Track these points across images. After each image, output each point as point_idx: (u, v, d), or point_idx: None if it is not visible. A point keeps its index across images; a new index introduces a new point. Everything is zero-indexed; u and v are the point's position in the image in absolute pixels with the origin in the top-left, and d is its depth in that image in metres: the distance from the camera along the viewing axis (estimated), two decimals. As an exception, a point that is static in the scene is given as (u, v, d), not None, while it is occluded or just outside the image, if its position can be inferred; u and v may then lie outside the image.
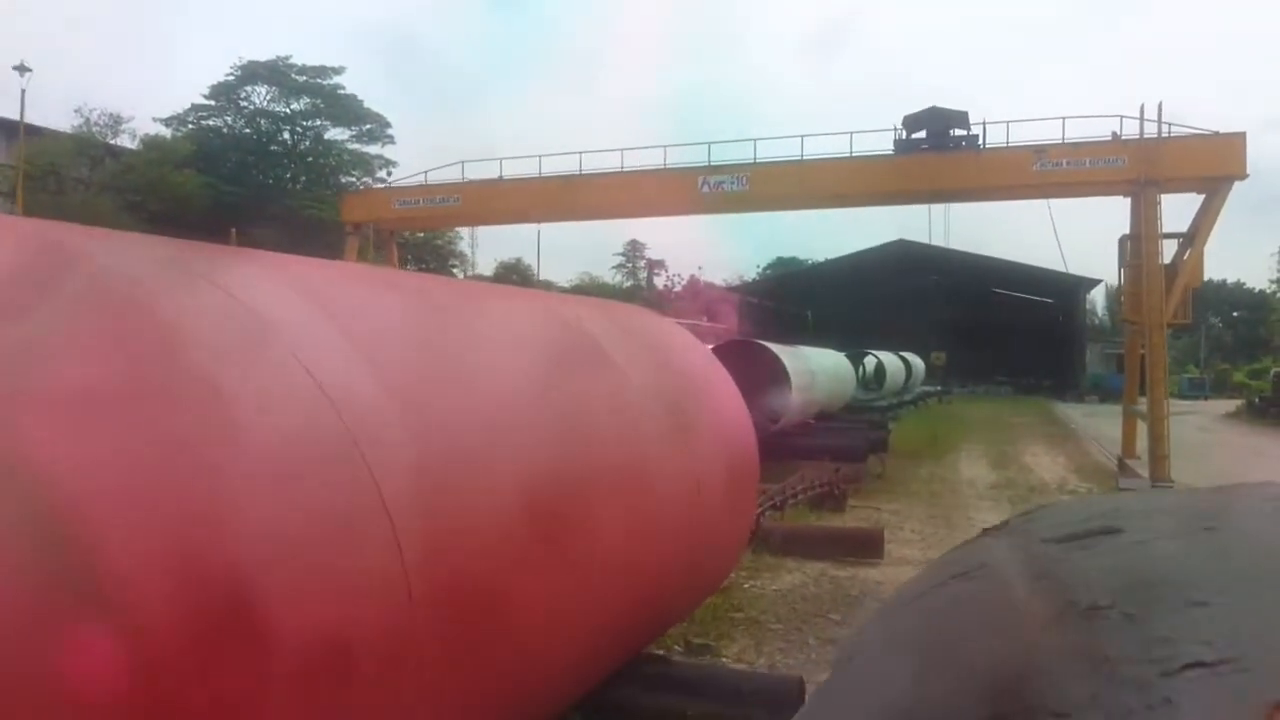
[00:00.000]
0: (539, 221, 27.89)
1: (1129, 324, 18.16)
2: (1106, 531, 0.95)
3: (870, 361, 36.01)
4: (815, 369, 18.41)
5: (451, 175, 21.75)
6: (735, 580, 9.20)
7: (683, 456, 4.79)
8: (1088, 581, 0.86)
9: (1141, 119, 17.27)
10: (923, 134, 19.09)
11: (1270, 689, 0.65)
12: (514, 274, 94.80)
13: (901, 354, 41.19)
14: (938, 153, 18.58)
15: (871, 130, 19.34)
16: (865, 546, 10.24)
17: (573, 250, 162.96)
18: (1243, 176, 16.66)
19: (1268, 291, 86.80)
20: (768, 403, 15.41)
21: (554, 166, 20.74)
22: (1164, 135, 17.05)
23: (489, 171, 21.10)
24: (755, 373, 15.75)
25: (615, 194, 19.67)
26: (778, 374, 15.18)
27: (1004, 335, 58.98)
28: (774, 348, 15.65)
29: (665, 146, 19.67)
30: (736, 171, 18.78)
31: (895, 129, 19.49)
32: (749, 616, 8.06)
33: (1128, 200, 18.24)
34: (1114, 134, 17.80)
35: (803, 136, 18.84)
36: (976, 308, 61.92)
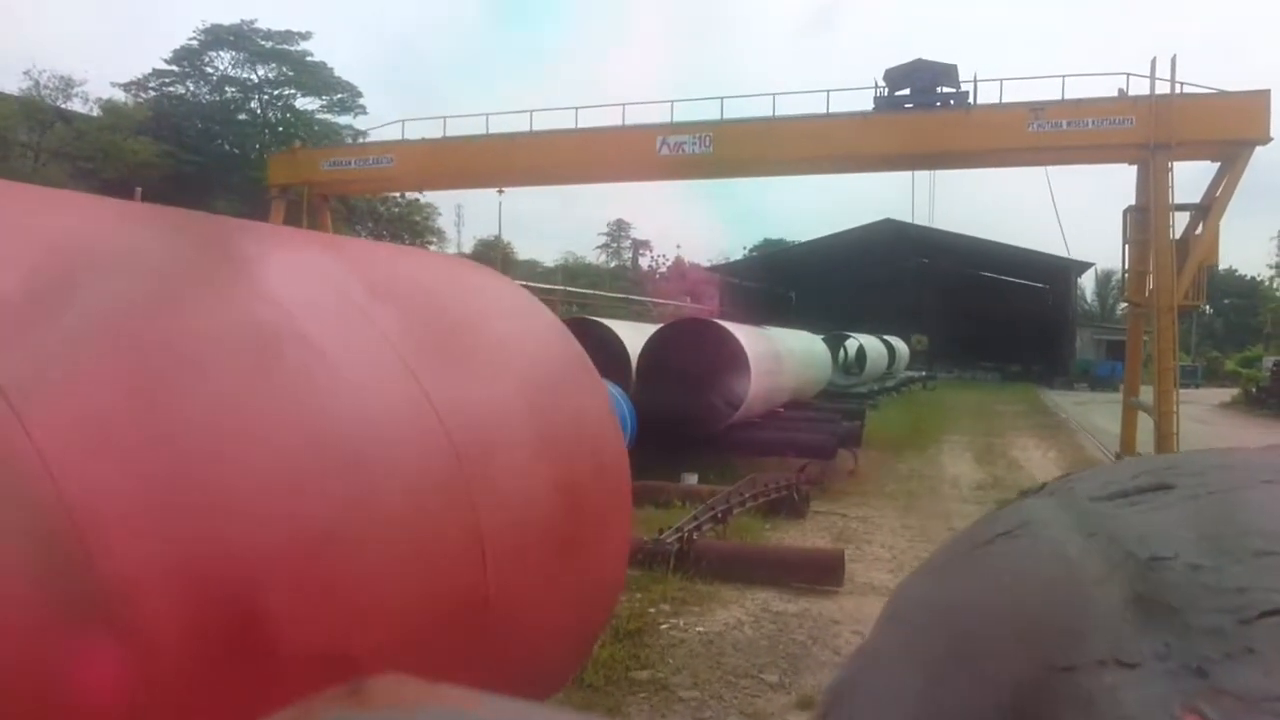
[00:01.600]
0: (483, 186, 25.84)
1: (1133, 306, 16.33)
2: (1158, 488, 0.92)
3: (851, 345, 34.12)
4: (783, 352, 16.51)
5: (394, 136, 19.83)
6: (652, 620, 7.32)
7: (477, 485, 2.91)
8: (1145, 535, 0.83)
9: (1152, 75, 15.37)
10: (907, 91, 17.12)
11: None
12: (493, 252, 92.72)
13: (885, 337, 39.39)
14: (922, 111, 16.61)
15: (851, 88, 17.41)
16: (821, 571, 8.35)
17: (556, 229, 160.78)
18: (1265, 140, 14.78)
19: (1260, 279, 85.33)
20: (723, 390, 13.51)
21: (504, 125, 18.82)
22: (1177, 94, 15.19)
23: (434, 132, 19.20)
24: (713, 356, 13.84)
25: (565, 155, 17.67)
26: (736, 358, 13.28)
27: (992, 319, 57.24)
28: (733, 328, 13.74)
29: (624, 105, 17.73)
30: (699, 131, 16.77)
31: (876, 85, 17.55)
32: (655, 678, 6.15)
33: (1132, 171, 16.43)
34: (1120, 91, 15.91)
35: (774, 95, 16.89)
36: (964, 290, 60.15)
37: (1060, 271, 52.49)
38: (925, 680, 0.89)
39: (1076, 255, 51.14)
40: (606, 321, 14.08)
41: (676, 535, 8.35)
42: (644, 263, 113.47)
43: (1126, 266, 16.33)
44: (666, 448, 13.98)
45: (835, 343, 32.73)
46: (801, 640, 7.04)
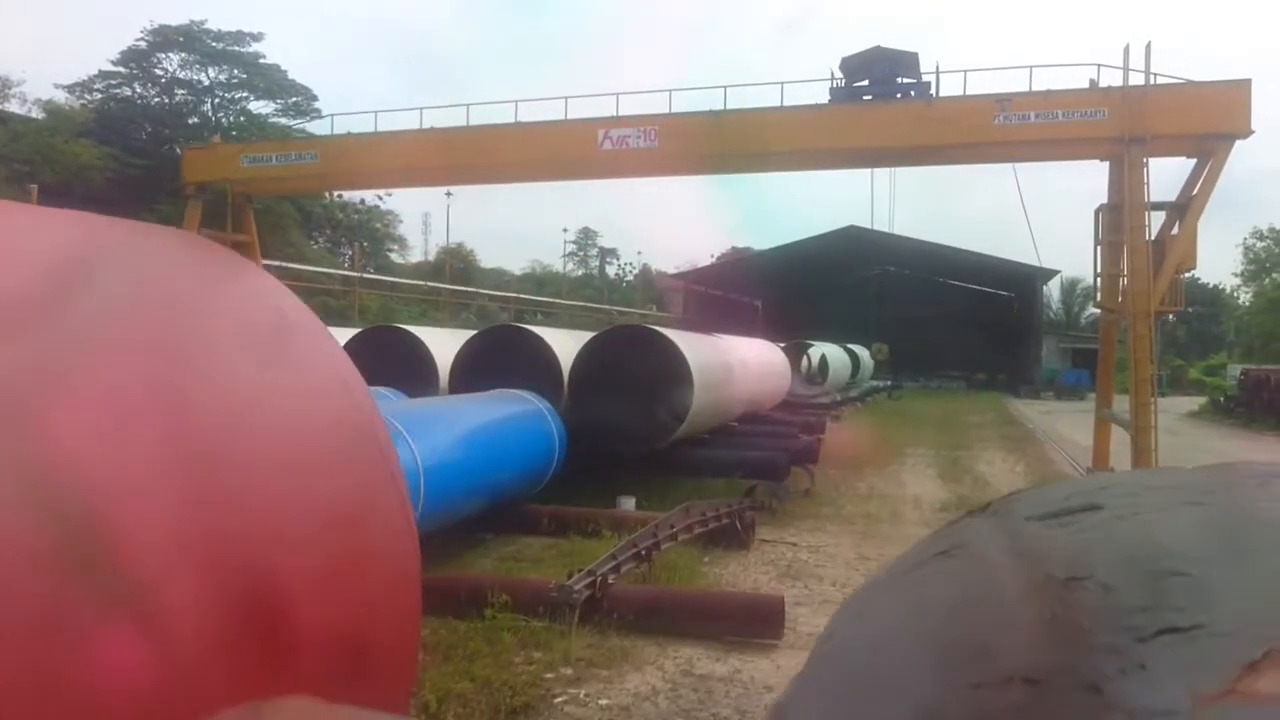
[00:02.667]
0: (417, 185, 24.48)
1: (1105, 312, 15.31)
2: (1088, 508, 0.95)
3: (814, 354, 33.02)
4: (735, 363, 15.31)
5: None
6: (546, 690, 6.04)
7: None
8: (1066, 555, 0.87)
9: (1126, 65, 14.37)
10: (865, 83, 16.00)
11: (1242, 652, 0.67)
12: (456, 259, 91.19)
13: (848, 346, 38.41)
14: (881, 103, 15.48)
15: (809, 80, 16.21)
16: (758, 621, 7.11)
17: (521, 238, 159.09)
18: (1246, 133, 13.80)
19: (1222, 286, 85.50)
20: (664, 404, 12.27)
21: (439, 120, 17.49)
22: (1151, 85, 14.19)
23: (366, 126, 17.86)
24: (652, 367, 12.60)
25: (500, 151, 16.38)
26: (678, 368, 12.04)
27: (957, 327, 56.57)
28: (675, 336, 12.50)
29: (567, 98, 16.47)
30: (644, 124, 15.54)
31: (832, 76, 16.38)
32: (532, 780, 4.89)
33: (1098, 174, 15.46)
34: (1091, 82, 14.90)
35: (725, 87, 15.68)
36: (929, 298, 59.54)
37: (1026, 279, 51.86)
38: (849, 707, 0.92)
39: (1042, 263, 50.79)
40: (535, 329, 12.82)
41: (587, 580, 7.08)
42: (611, 271, 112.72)
43: (1099, 270, 15.31)
44: (602, 469, 12.73)
45: (797, 351, 31.65)
46: (726, 716, 5.79)
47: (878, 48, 16.23)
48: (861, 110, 15.62)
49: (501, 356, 12.89)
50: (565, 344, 12.76)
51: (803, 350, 32.20)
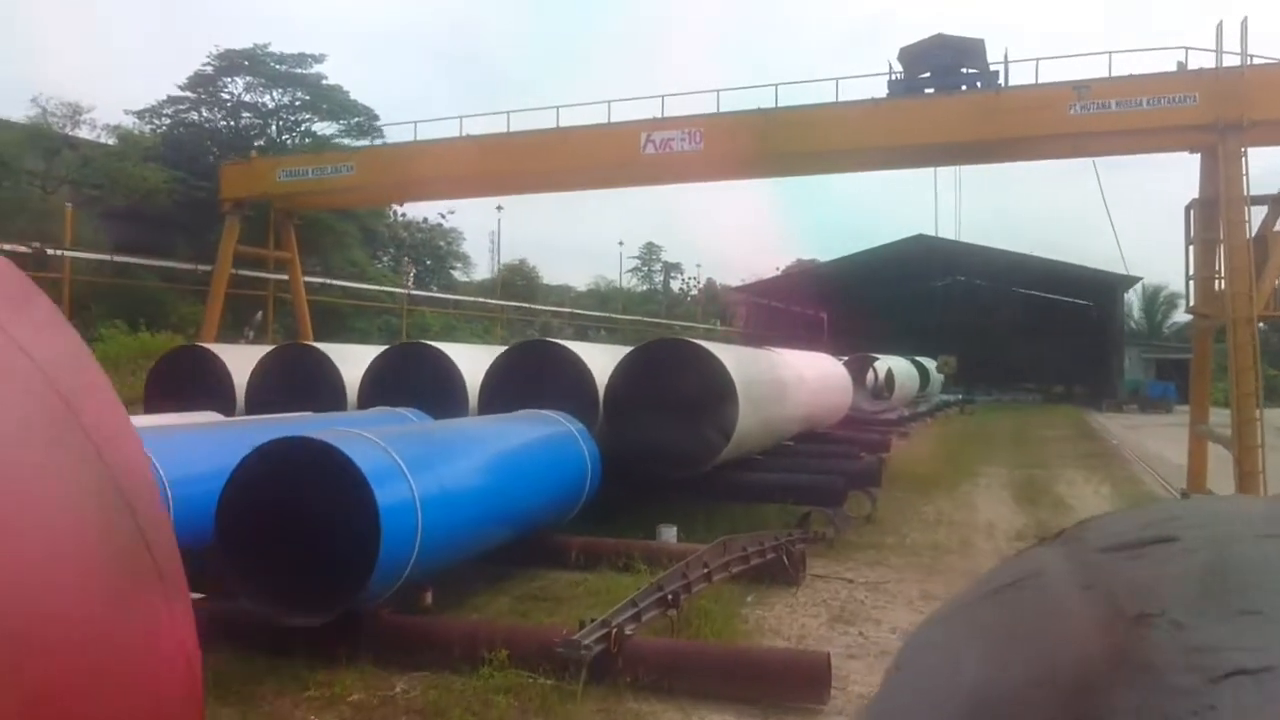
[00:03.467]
0: (455, 196, 23.93)
1: (1199, 318, 13.85)
2: (1161, 540, 0.94)
3: (880, 367, 31.56)
4: (790, 379, 14.24)
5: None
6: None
7: None
8: (1138, 590, 0.85)
9: (1219, 45, 12.98)
10: (926, 74, 14.79)
11: None
12: (519, 277, 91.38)
13: (916, 359, 36.86)
14: (944, 94, 14.28)
15: (865, 75, 15.03)
16: (798, 681, 6.08)
17: (585, 253, 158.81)
18: (1359, 116, 12.38)
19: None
20: (706, 424, 11.28)
21: (479, 128, 16.82)
22: (1249, 65, 12.78)
23: (409, 137, 17.25)
24: (694, 383, 11.62)
25: (539, 158, 15.59)
26: (721, 385, 11.04)
27: (1032, 338, 54.33)
28: (718, 350, 11.50)
29: (610, 102, 15.60)
30: (688, 125, 14.58)
31: (890, 69, 15.21)
32: None
33: (1186, 169, 14.06)
34: (1179, 65, 13.53)
35: (776, 85, 14.64)
36: (1002, 308, 57.39)
37: (1106, 286, 49.58)
38: None
39: (1120, 269, 48.50)
40: (568, 344, 11.95)
41: (600, 632, 6.12)
42: (675, 285, 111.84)
43: (1191, 272, 13.91)
44: (643, 495, 11.79)
45: (862, 365, 30.31)
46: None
47: (939, 36, 15.02)
48: (923, 104, 14.44)
49: (533, 374, 12.05)
50: (601, 360, 11.86)
51: (868, 364, 30.82)
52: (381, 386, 12.60)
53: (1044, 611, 0.94)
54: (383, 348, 13.31)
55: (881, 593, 9.25)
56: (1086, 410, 44.87)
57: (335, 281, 38.73)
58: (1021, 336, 54.44)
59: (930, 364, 41.74)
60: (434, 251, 78.46)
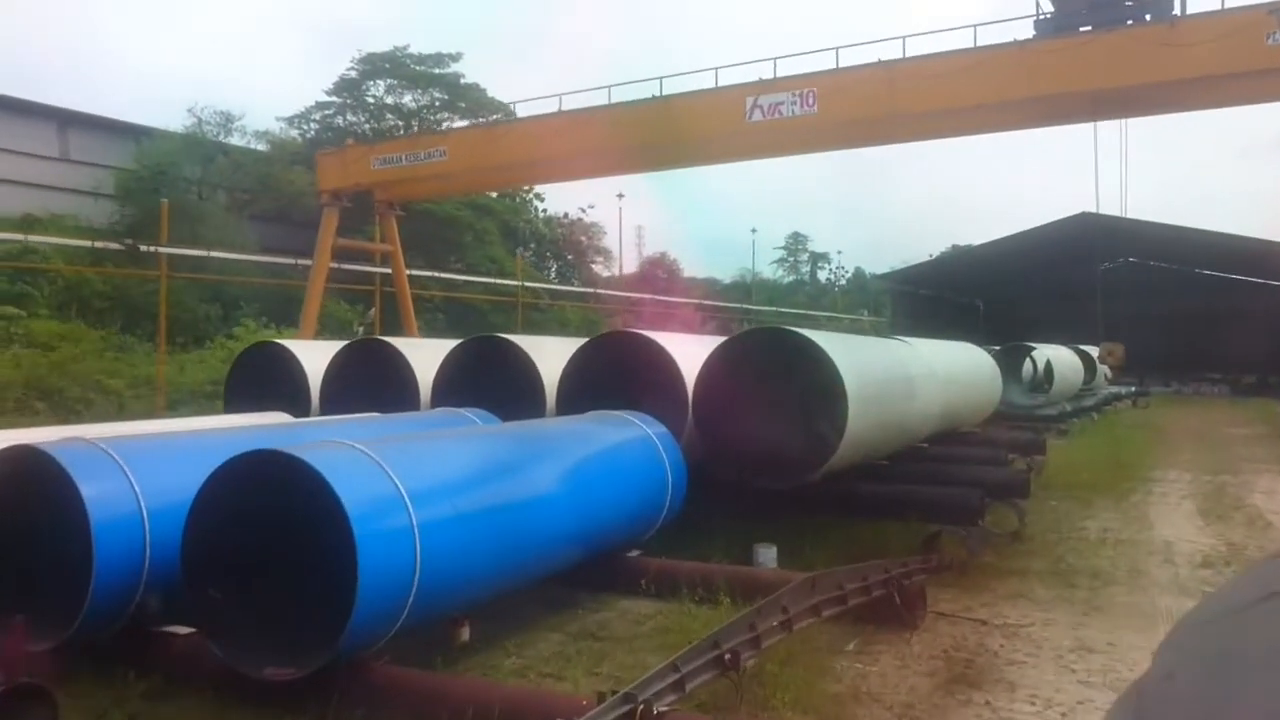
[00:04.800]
0: (553, 179, 22.66)
1: None
2: None
3: (1038, 358, 28.63)
4: (918, 373, 12.35)
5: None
6: None
7: None
8: None
9: None
10: (1082, 10, 12.41)
11: None
12: (660, 270, 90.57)
13: (1081, 348, 33.53)
14: (1105, 31, 11.89)
15: (1007, 19, 12.78)
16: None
17: (724, 244, 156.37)
18: None
19: None
20: (809, 428, 9.61)
21: (580, 104, 15.49)
22: None
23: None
24: (802, 381, 9.96)
25: (638, 131, 14.10)
26: (826, 382, 9.32)
27: (1218, 324, 49.26)
28: (821, 339, 9.75)
29: (716, 69, 13.93)
30: (800, 86, 12.76)
31: (1037, 8, 12.82)
32: None
33: None
34: None
35: (904, 38, 12.59)
36: (1180, 291, 52.37)
37: (1302, 264, 44.23)
38: None
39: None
40: (651, 334, 10.46)
41: (621, 710, 4.64)
42: (822, 276, 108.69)
43: None
44: (742, 509, 10.22)
45: (1017, 356, 27.59)
46: None
47: (1096, -39, 12.65)
48: (1079, 43, 12.11)
49: (616, 370, 10.68)
50: (695, 354, 10.34)
51: (1024, 354, 28.03)
52: (455, 385, 11.50)
53: None
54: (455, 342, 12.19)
55: (1022, 640, 7.39)
56: (1282, 404, 40.10)
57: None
58: (1204, 322, 49.52)
59: (1095, 353, 38.04)
60: (575, 246, 78.56)
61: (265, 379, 13.28)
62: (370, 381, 12.39)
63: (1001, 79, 12.29)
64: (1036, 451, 15.86)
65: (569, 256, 77.18)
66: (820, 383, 9.48)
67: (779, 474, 9.56)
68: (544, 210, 74.00)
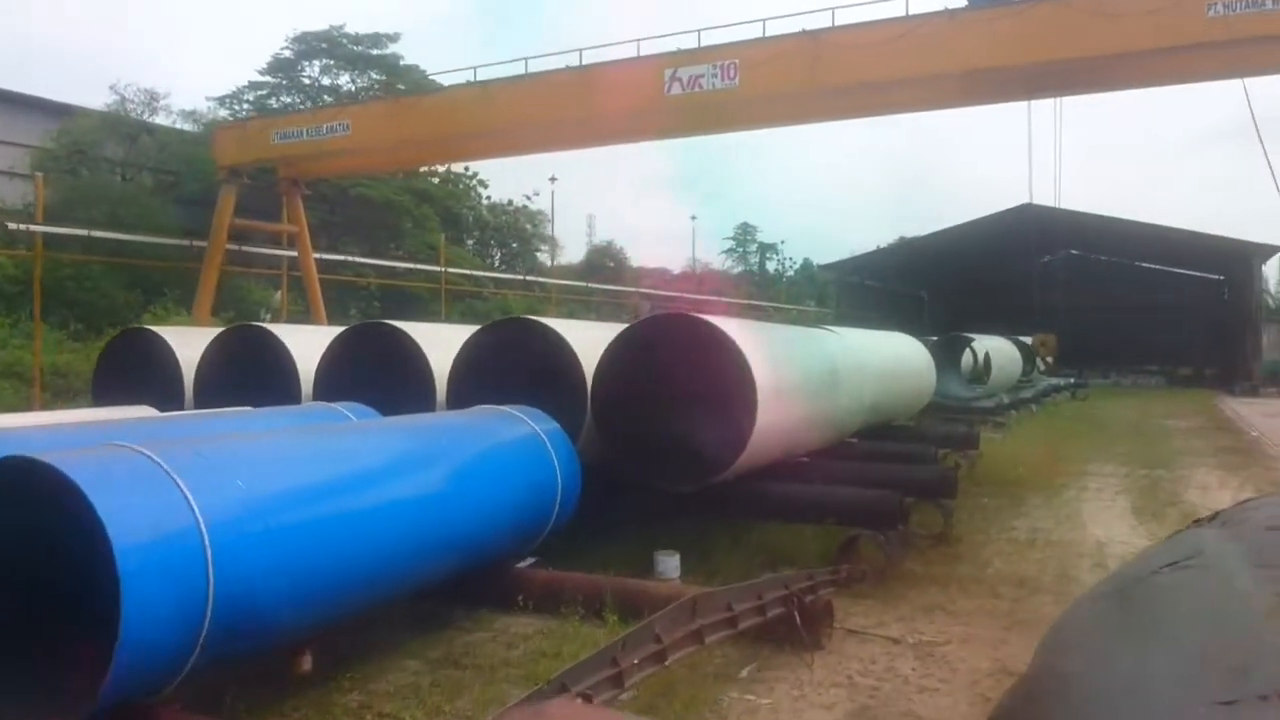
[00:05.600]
0: (462, 157, 21.70)
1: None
2: None
3: (978, 349, 28.20)
4: (843, 366, 11.62)
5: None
6: None
7: None
8: None
9: None
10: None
11: None
12: (607, 259, 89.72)
13: (1020, 339, 33.31)
14: (1038, 1, 11.14)
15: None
16: None
17: (677, 236, 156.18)
18: None
19: None
20: (716, 425, 8.80)
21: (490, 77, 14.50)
22: None
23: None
24: (708, 373, 9.13)
25: (551, 104, 13.16)
26: (735, 376, 8.52)
27: (1155, 316, 49.73)
28: (734, 329, 8.94)
29: (639, 40, 13.03)
30: (721, 57, 11.88)
31: (970, -25, 12.14)
32: None
33: None
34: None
35: (832, 9, 11.72)
36: (1120, 283, 52.77)
37: (1238, 257, 44.64)
38: (1090, 708, 0.86)
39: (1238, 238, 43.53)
40: (550, 321, 9.57)
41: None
42: (770, 266, 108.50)
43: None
44: (649, 512, 9.40)
45: (956, 347, 27.16)
46: None
47: (1032, -73, 11.91)
48: (1011, 13, 11.38)
49: (514, 361, 9.78)
50: (597, 342, 9.46)
51: (963, 345, 27.61)
52: (339, 377, 10.51)
53: (1216, 592, 0.88)
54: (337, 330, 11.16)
55: (937, 662, 6.66)
56: (1217, 394, 40.37)
57: (348, 258, 37.07)
58: (1142, 314, 49.98)
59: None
60: (519, 234, 77.37)
61: (139, 369, 12.19)
62: (251, 372, 11.37)
63: (930, 51, 11.51)
64: (970, 446, 15.26)
65: (513, 244, 75.97)
66: (730, 374, 8.66)
67: (684, 474, 8.75)
68: (488, 197, 72.75)
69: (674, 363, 8.96)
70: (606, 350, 9.00)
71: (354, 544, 5.90)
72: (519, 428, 8.10)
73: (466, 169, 63.37)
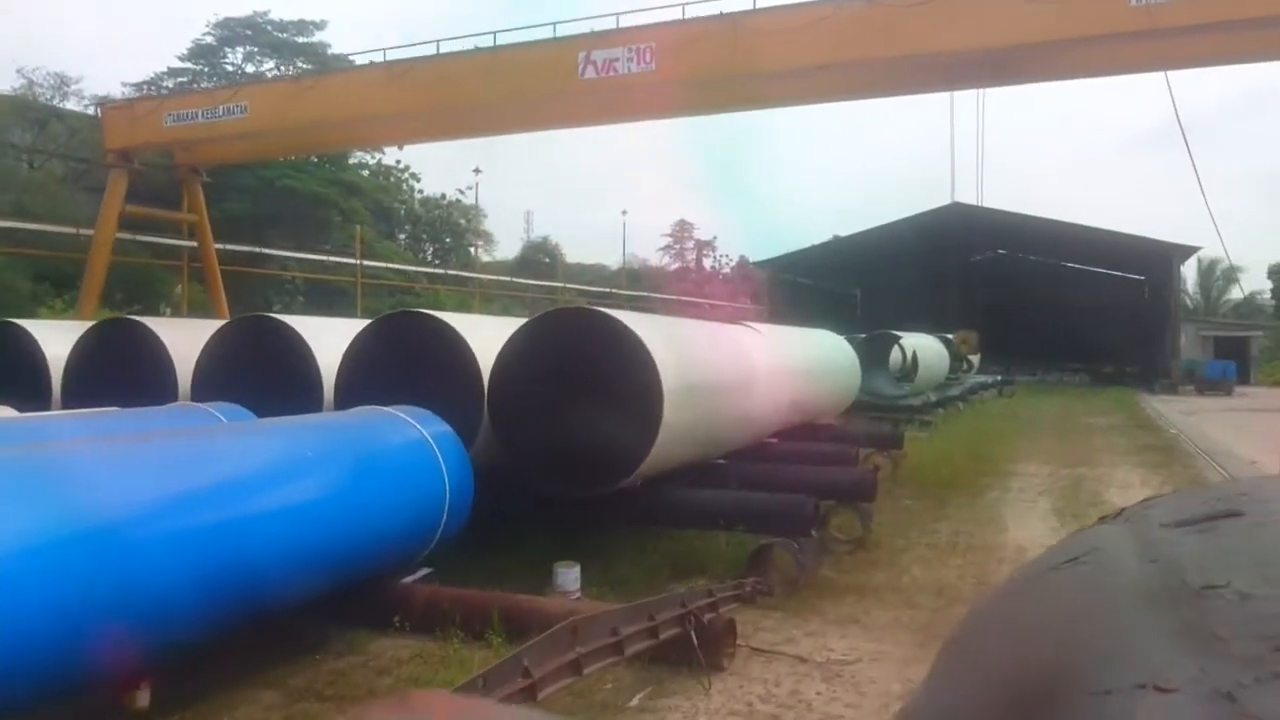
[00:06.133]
0: (369, 141, 20.95)
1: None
2: (1227, 515, 0.93)
3: (907, 346, 28.03)
4: (759, 364, 11.16)
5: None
6: None
7: None
8: (1203, 562, 0.84)
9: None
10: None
11: None
12: (542, 255, 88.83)
13: (948, 337, 33.41)
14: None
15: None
16: None
17: (616, 232, 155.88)
18: None
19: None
20: (619, 428, 8.25)
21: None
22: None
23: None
24: (613, 371, 8.57)
25: (459, 88, 12.45)
26: (643, 374, 7.98)
27: (1079, 315, 50.61)
28: (639, 324, 8.39)
29: (554, 23, 12.40)
30: (636, 40, 11.29)
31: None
32: None
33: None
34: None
35: (755, -9, 11.27)
36: (1045, 282, 53.65)
37: (1159, 258, 45.54)
38: (976, 713, 0.90)
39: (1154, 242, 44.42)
40: (444, 315, 8.91)
41: None
42: (707, 264, 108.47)
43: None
44: (552, 517, 8.82)
45: (884, 344, 27.01)
46: None
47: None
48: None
49: (405, 357, 9.12)
50: (495, 339, 8.84)
51: (891, 343, 27.46)
52: (219, 375, 9.74)
53: (1105, 585, 0.90)
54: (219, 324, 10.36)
55: (845, 684, 6.19)
56: (1138, 392, 41.15)
57: (275, 253, 35.82)
58: (1067, 313, 50.85)
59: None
60: (453, 229, 76.21)
61: (5, 366, 11.26)
62: (127, 371, 10.53)
63: (851, 37, 11.07)
64: (894, 446, 14.96)
65: (447, 239, 74.74)
66: (635, 372, 8.12)
67: (586, 480, 8.18)
68: (421, 191, 71.51)
69: (575, 360, 8.39)
70: (504, 347, 8.39)
71: (199, 562, 5.24)
72: (404, 430, 7.47)
73: (398, 161, 62.11)
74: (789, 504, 8.38)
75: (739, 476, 10.03)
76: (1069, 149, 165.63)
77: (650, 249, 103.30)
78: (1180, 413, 30.50)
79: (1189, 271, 72.28)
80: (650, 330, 8.43)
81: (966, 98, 29.52)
